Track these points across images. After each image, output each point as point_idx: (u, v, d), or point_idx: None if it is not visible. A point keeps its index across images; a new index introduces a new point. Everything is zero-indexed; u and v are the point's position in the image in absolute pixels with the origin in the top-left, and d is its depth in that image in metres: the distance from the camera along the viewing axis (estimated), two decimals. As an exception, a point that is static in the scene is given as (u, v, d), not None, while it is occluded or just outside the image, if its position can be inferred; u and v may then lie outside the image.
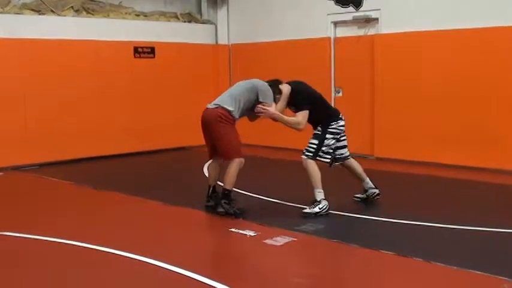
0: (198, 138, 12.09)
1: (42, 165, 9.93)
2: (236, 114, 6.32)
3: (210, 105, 6.43)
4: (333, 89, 10.96)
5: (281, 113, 6.35)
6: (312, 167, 6.29)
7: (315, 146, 6.34)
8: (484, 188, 8.01)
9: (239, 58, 12.63)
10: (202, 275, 4.54)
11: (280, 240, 5.48)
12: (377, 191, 6.91)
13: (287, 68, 11.39)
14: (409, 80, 9.77)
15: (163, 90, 11.77)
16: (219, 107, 6.30)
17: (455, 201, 7.23)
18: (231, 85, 12.65)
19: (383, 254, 5.10)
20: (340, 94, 10.90)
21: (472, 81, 9.05)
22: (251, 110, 6.36)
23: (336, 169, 6.77)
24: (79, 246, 5.39)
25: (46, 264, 5.01)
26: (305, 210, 6.27)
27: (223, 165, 6.57)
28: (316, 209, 6.23)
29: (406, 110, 9.82)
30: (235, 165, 6.29)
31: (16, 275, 4.77)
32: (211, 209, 6.56)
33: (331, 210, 6.45)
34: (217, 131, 6.29)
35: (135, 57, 11.38)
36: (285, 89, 6.46)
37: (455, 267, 4.68)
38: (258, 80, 6.49)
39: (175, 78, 11.94)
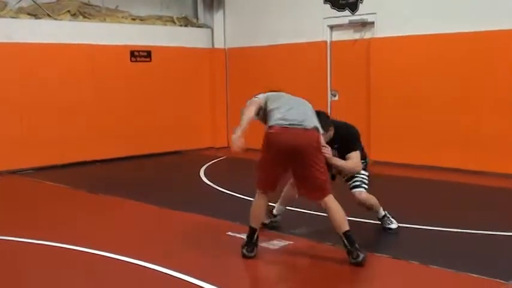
0: (194, 142, 12.27)
1: (38, 169, 9.92)
2: None
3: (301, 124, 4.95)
4: (329, 92, 10.98)
5: None
6: None
7: None
8: (480, 191, 8.02)
9: (235, 62, 12.63)
10: (198, 278, 4.55)
11: (276, 244, 5.48)
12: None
13: (283, 71, 11.43)
14: (405, 83, 9.80)
15: (160, 94, 11.77)
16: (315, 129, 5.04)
17: (451, 205, 7.24)
18: (227, 89, 12.78)
19: (379, 257, 5.11)
20: (336, 98, 10.92)
21: (468, 84, 9.08)
22: None
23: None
24: (76, 250, 5.38)
25: (43, 269, 5.00)
26: None
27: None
28: None
29: (402, 113, 9.84)
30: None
31: (13, 279, 4.77)
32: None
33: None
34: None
35: (131, 61, 11.38)
36: None
37: (451, 270, 4.69)
38: None
39: (172, 82, 11.94)
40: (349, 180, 5.79)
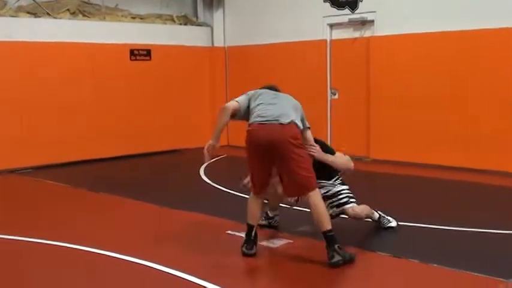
0: (194, 141, 12.26)
1: (38, 168, 9.92)
2: None
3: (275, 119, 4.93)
4: (328, 91, 10.98)
5: None
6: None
7: None
8: (479, 189, 8.03)
9: (235, 60, 12.63)
10: (198, 277, 4.56)
11: (276, 243, 5.49)
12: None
13: (283, 70, 11.42)
14: (404, 81, 9.80)
15: (160, 93, 11.78)
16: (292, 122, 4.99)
17: (450, 203, 7.24)
18: (227, 88, 12.77)
19: (379, 256, 5.12)
20: (336, 96, 10.92)
21: (467, 82, 9.09)
22: None
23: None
24: (77, 249, 5.39)
25: (43, 268, 5.00)
26: None
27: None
28: None
29: (402, 111, 9.83)
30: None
31: (14, 278, 4.77)
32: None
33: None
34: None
35: (131, 59, 11.37)
36: None
37: (451, 269, 4.69)
38: None
39: (172, 81, 11.94)
40: (332, 198, 5.60)
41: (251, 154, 5.03)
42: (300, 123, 4.98)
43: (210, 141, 5.15)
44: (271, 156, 4.92)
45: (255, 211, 5.17)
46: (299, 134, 4.94)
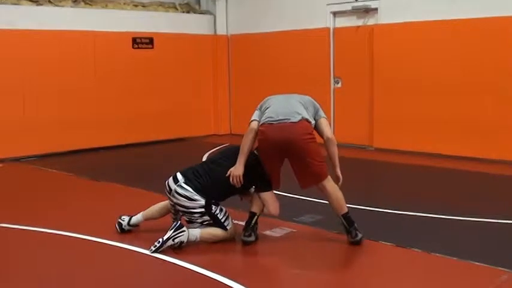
0: (197, 129, 12.26)
1: (41, 157, 9.93)
2: None
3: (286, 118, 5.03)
4: (332, 79, 10.94)
5: None
6: None
7: None
8: (483, 178, 8.01)
9: (238, 49, 12.59)
10: (200, 267, 4.56)
11: (279, 232, 5.49)
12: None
13: (286, 58, 11.39)
14: (408, 70, 9.75)
15: (162, 81, 11.75)
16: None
17: (453, 192, 7.24)
18: (230, 76, 12.74)
19: (382, 245, 5.11)
20: (340, 85, 10.88)
21: (472, 71, 9.04)
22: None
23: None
24: (79, 238, 5.39)
25: (45, 257, 5.01)
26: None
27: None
28: None
29: (406, 100, 9.81)
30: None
31: (14, 267, 4.78)
32: None
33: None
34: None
35: (133, 48, 11.34)
36: None
37: (454, 258, 4.69)
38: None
39: (174, 69, 11.91)
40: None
41: (267, 153, 5.10)
42: (311, 119, 5.11)
43: (239, 172, 5.05)
44: (284, 153, 5.04)
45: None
46: (310, 129, 5.07)
